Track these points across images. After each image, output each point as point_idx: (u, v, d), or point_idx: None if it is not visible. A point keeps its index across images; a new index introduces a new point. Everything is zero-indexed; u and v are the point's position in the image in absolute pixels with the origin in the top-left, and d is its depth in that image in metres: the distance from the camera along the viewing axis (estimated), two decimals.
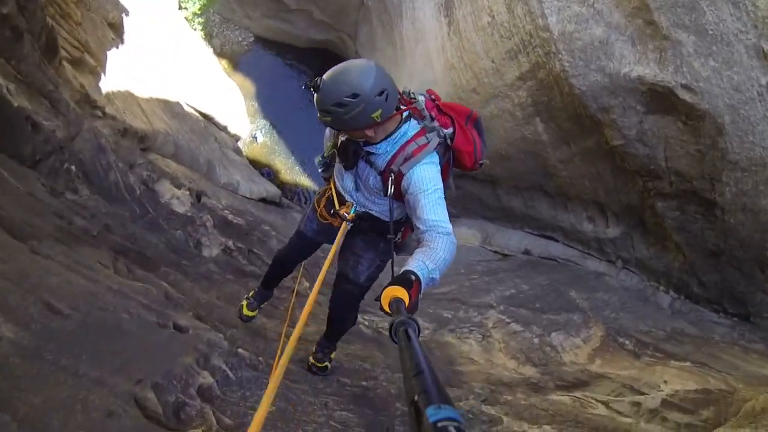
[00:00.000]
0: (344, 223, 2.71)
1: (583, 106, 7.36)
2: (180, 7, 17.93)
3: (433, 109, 2.52)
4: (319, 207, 2.96)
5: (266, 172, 17.85)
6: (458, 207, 14.04)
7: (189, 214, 5.92)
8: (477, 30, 8.67)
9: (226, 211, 7.26)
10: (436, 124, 2.44)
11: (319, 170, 2.99)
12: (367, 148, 2.41)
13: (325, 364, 3.43)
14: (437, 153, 2.35)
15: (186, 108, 12.06)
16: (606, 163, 8.37)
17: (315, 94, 2.14)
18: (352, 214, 2.67)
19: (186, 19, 17.76)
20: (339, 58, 16.55)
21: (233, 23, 19.50)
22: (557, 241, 11.25)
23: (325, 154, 2.92)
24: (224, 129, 15.36)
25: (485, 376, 4.76)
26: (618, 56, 6.64)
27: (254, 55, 19.69)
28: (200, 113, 13.58)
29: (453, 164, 2.62)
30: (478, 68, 9.04)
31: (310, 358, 3.46)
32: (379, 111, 2.14)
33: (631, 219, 9.15)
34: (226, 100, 15.95)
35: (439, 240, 2.09)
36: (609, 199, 9.10)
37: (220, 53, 18.83)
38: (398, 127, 2.36)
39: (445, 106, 2.60)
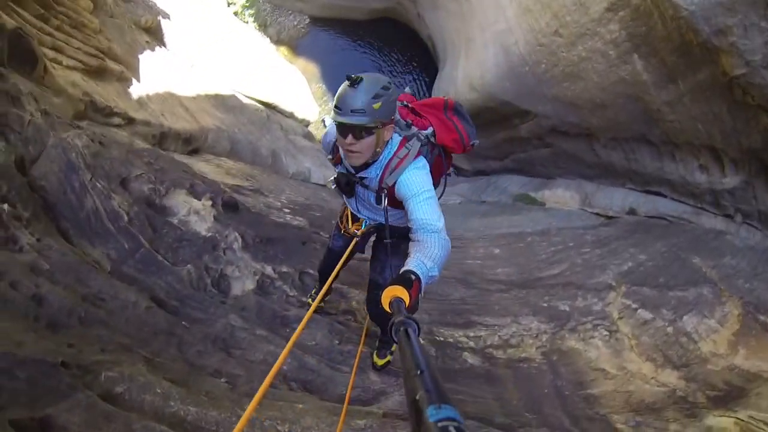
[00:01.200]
0: (354, 240, 3.09)
1: (692, 32, 6.24)
2: (228, 4, 17.97)
3: (408, 115, 2.69)
4: (342, 224, 3.26)
5: None
6: (551, 167, 13.10)
7: (210, 234, 4.56)
8: None
9: (283, 212, 6.35)
10: (414, 129, 2.59)
11: (333, 188, 3.07)
12: (359, 175, 2.59)
13: (388, 358, 3.69)
14: (422, 156, 2.54)
15: (244, 100, 11.92)
16: (722, 100, 7.16)
17: (343, 101, 2.25)
18: (362, 229, 3.01)
19: (236, 13, 17.79)
20: (402, 25, 15.90)
21: (285, 8, 19.46)
22: (665, 196, 10.05)
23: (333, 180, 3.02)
24: (290, 115, 15.23)
25: (624, 396, 4.03)
26: None
27: (313, 37, 19.53)
28: (261, 103, 13.44)
29: (446, 155, 2.82)
30: (558, 5, 8.07)
31: (374, 357, 3.70)
32: (395, 106, 2.36)
33: (753, 165, 7.85)
34: (289, 86, 15.79)
35: (430, 238, 2.21)
36: (726, 143, 7.84)
37: (277, 41, 18.92)
38: (386, 146, 2.49)
39: (421, 106, 2.79)
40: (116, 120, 5.65)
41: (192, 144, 7.25)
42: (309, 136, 15.69)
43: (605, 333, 4.80)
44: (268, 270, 4.49)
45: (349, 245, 3.20)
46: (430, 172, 2.52)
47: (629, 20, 7.00)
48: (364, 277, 4.07)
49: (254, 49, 15.37)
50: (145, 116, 6.17)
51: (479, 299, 5.33)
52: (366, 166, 2.54)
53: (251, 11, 18.40)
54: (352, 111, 2.22)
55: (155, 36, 8.57)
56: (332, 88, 18.25)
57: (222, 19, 14.60)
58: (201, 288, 4.03)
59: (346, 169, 2.68)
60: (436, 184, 2.71)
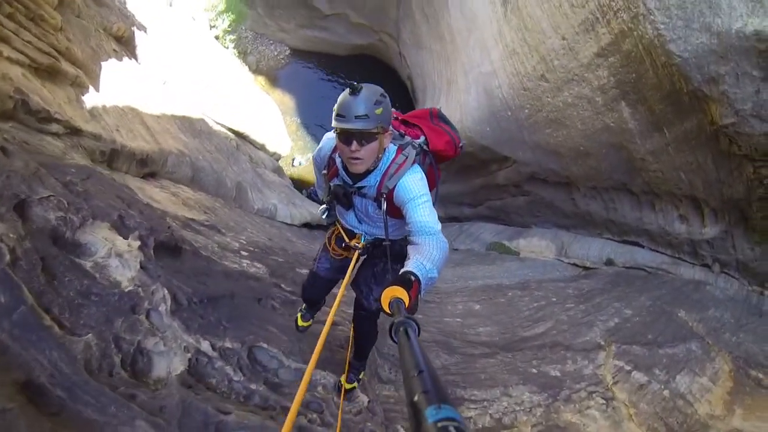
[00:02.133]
0: (356, 253, 2.98)
1: (683, 79, 6.28)
2: (211, 27, 17.88)
3: (400, 126, 2.81)
4: (330, 245, 3.23)
5: (314, 191, 17.13)
6: (526, 215, 13.05)
7: (131, 288, 3.13)
8: (540, 3, 7.75)
9: (240, 255, 5.44)
10: (408, 138, 2.72)
11: (323, 217, 3.22)
12: (357, 185, 2.64)
13: (354, 384, 3.62)
14: (417, 163, 2.63)
15: (213, 125, 11.51)
16: (707, 149, 7.22)
17: (346, 108, 2.33)
18: (362, 243, 2.94)
19: (217, 38, 17.66)
20: (382, 64, 15.90)
21: (267, 37, 19.41)
22: (642, 246, 10.13)
23: (323, 199, 3.13)
24: (262, 147, 14.87)
25: None
26: (726, 9, 5.57)
27: (292, 69, 19.47)
28: (232, 131, 13.09)
29: (437, 162, 2.90)
30: (546, 49, 8.10)
31: (342, 380, 3.58)
32: (391, 114, 2.48)
33: (733, 215, 7.95)
34: (263, 117, 15.50)
35: (428, 240, 2.28)
36: (708, 192, 7.90)
37: (256, 70, 18.74)
38: (383, 154, 2.55)
39: (409, 116, 2.92)
40: (54, 127, 4.87)
41: (149, 166, 6.67)
42: (279, 171, 15.33)
43: (601, 401, 4.48)
44: (205, 346, 3.20)
45: (336, 268, 3.29)
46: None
47: (619, 66, 7.03)
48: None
49: (231, 75, 15.17)
50: (95, 129, 5.54)
51: (463, 367, 4.80)
52: (365, 174, 2.59)
53: (232, 37, 18.33)
54: (356, 117, 2.29)
55: (127, 46, 8.18)
56: (307, 123, 18.18)
57: (202, 41, 14.41)
58: (104, 370, 2.62)
59: (343, 180, 2.72)
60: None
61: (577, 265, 10.51)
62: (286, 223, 11.13)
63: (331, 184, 2.83)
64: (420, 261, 2.06)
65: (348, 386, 3.57)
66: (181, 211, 6.06)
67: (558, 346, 5.60)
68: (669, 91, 6.71)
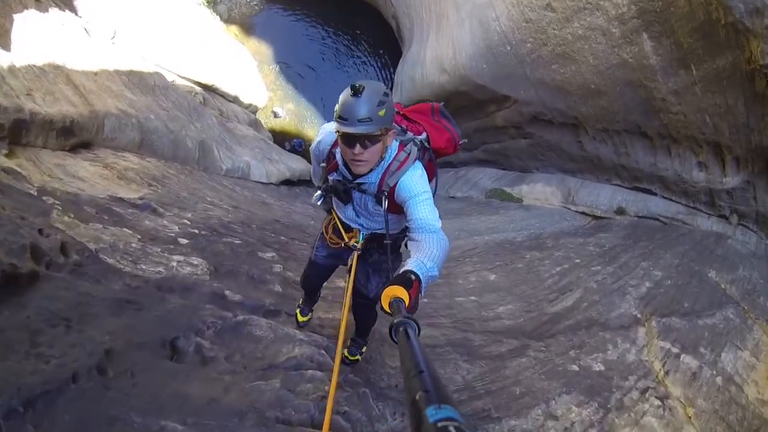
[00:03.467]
0: (356, 255, 2.89)
1: (722, 9, 5.47)
2: None
3: (402, 121, 2.74)
4: (327, 234, 3.14)
5: (297, 143, 16.49)
6: (528, 159, 12.29)
7: None
8: None
9: (177, 245, 4.29)
10: (410, 134, 2.67)
11: (318, 203, 3.02)
12: (357, 181, 2.59)
13: (357, 357, 3.70)
14: (418, 160, 2.58)
15: (173, 79, 10.33)
16: (740, 91, 6.48)
17: (348, 110, 2.21)
18: (361, 242, 2.90)
19: None
20: (364, 5, 14.72)
21: None
22: (655, 194, 9.48)
23: (318, 185, 2.99)
24: (234, 99, 13.82)
25: None
26: None
27: (267, 15, 18.14)
28: (199, 84, 11.97)
29: (436, 158, 2.86)
30: None
31: (345, 352, 3.69)
32: (394, 111, 2.40)
33: (758, 164, 7.31)
34: (236, 67, 14.40)
35: (429, 238, 2.25)
36: (734, 138, 7.21)
37: (228, 19, 17.36)
38: (383, 154, 2.49)
39: (410, 112, 2.86)
40: None
41: (77, 135, 5.60)
42: (255, 125, 14.35)
43: (657, 403, 3.77)
44: None
45: (334, 255, 3.25)
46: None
47: None
48: None
49: (197, 26, 13.90)
50: None
51: (491, 380, 3.84)
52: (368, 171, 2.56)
53: None
54: (359, 120, 2.21)
55: None
56: (285, 71, 17.16)
57: None
58: None
59: (343, 175, 2.68)
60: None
61: (586, 214, 9.83)
62: (262, 183, 10.20)
63: (330, 179, 2.78)
64: (420, 259, 2.03)
65: (351, 358, 3.69)
66: (111, 189, 4.97)
67: (594, 326, 4.90)
68: (702, 23, 5.89)
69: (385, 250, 2.78)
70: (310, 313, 3.94)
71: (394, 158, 2.52)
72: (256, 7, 18.06)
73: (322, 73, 17.16)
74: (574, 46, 7.66)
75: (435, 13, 12.40)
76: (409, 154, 2.53)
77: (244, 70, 15.03)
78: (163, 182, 6.23)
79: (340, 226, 3.01)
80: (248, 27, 17.62)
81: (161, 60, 10.30)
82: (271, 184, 10.45)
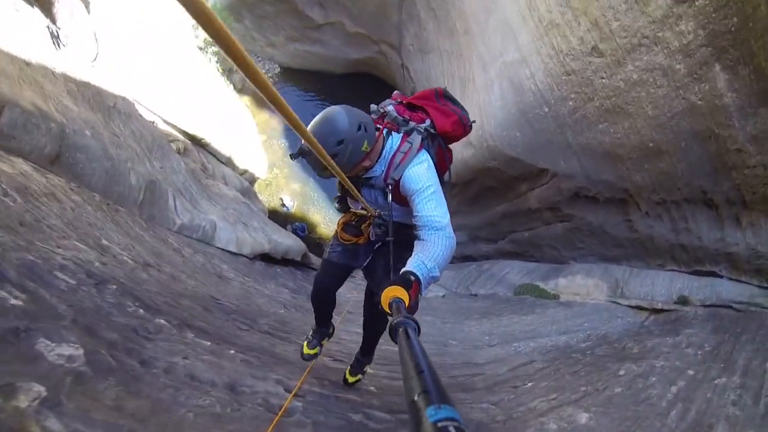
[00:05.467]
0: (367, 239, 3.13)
1: None
2: (195, 37, 16.76)
3: (405, 111, 2.84)
4: (340, 233, 3.25)
5: (300, 227, 16.34)
6: (564, 248, 11.01)
7: None
8: None
9: None
10: (412, 124, 2.73)
11: (337, 207, 3.31)
12: (365, 176, 2.71)
13: (358, 377, 3.75)
14: (424, 149, 2.66)
15: (147, 115, 9.37)
16: None
17: (306, 160, 2.48)
18: (377, 212, 2.91)
19: (199, 48, 16.38)
20: (381, 81, 14.36)
21: (254, 54, 18.36)
22: (721, 276, 8.00)
23: (338, 192, 3.20)
24: (227, 162, 13.36)
25: None
26: None
27: (281, 90, 18.38)
28: (183, 133, 11.28)
29: (446, 143, 2.92)
30: (599, 9, 6.31)
31: (347, 373, 3.75)
32: (365, 142, 2.47)
33: None
34: (237, 132, 14.09)
35: (434, 236, 2.31)
36: None
37: (241, 90, 17.59)
38: (383, 146, 2.64)
39: (414, 99, 2.94)
40: None
41: None
42: (248, 194, 13.41)
43: None
44: None
45: (349, 254, 3.22)
46: (434, 165, 2.64)
47: (712, 11, 5.14)
48: None
49: (206, 87, 13.72)
50: None
51: None
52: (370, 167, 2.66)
53: (215, 49, 16.94)
54: (319, 169, 2.46)
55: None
56: (294, 149, 17.21)
57: (179, 46, 12.99)
58: None
59: None
60: (440, 177, 2.74)
61: (641, 308, 8.28)
62: (230, 251, 8.53)
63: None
64: (421, 260, 2.11)
65: (352, 379, 3.72)
66: None
67: None
68: None
69: (399, 248, 2.70)
70: (318, 347, 3.73)
71: (398, 149, 2.59)
72: (272, 80, 18.31)
73: None
74: (627, 96, 6.63)
75: (458, 78, 11.79)
76: (412, 145, 2.58)
77: (246, 137, 14.64)
78: (37, 199, 4.18)
79: (358, 217, 3.16)
80: (260, 100, 17.69)
81: (144, 99, 9.49)
82: (242, 255, 8.84)
